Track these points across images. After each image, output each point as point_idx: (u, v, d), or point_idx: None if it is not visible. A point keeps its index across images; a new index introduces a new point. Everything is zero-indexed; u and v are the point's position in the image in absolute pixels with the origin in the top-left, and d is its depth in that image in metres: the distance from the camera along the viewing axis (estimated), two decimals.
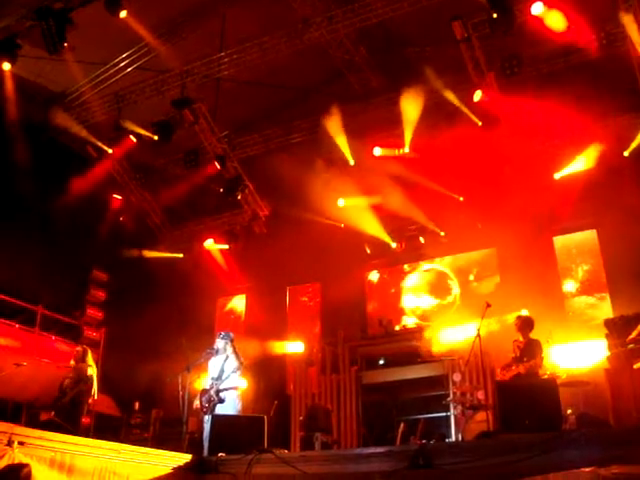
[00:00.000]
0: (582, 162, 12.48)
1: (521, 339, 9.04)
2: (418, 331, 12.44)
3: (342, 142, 13.43)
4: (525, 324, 9.10)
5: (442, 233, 13.94)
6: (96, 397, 9.80)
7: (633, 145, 11.93)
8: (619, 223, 12.54)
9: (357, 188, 13.91)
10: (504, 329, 12.04)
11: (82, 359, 9.83)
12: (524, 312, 12.20)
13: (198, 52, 12.46)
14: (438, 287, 14.49)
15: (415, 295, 14.66)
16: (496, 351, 12.14)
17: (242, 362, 9.07)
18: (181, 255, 15.55)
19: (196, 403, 8.94)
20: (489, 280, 13.94)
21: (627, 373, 8.11)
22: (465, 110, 12.18)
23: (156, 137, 13.08)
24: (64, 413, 9.20)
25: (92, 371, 9.75)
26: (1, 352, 11.44)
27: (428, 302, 14.38)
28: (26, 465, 5.20)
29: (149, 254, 15.18)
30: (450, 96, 12.21)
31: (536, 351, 8.73)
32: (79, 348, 10.25)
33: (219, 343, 9.12)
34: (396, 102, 13.06)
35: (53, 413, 9.35)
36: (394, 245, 14.42)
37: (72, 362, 9.95)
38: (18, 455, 5.31)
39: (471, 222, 13.23)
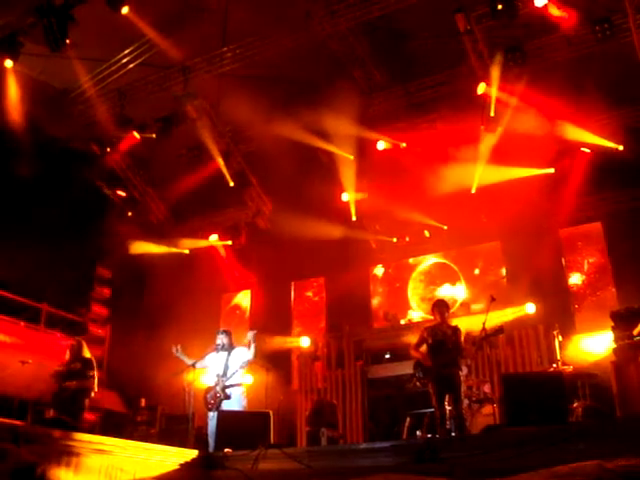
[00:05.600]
0: (586, 154, 12.42)
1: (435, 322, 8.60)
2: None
3: (346, 136, 13.39)
4: (448, 307, 8.81)
5: (445, 227, 13.92)
6: (96, 389, 9.63)
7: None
8: (624, 215, 12.53)
9: (361, 182, 13.88)
10: (510, 322, 12.05)
11: (79, 352, 9.67)
12: (529, 305, 12.25)
13: (200, 47, 12.43)
14: (444, 280, 14.46)
15: (422, 288, 14.64)
16: (502, 344, 12.17)
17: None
18: (187, 251, 15.53)
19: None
20: (495, 273, 13.91)
21: (633, 365, 8.09)
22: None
23: (154, 135, 13.13)
24: (65, 408, 9.11)
25: (94, 365, 9.64)
26: (6, 350, 11.47)
27: (435, 295, 14.32)
28: (40, 463, 5.19)
29: (153, 250, 15.14)
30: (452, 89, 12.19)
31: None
32: (74, 342, 10.07)
33: (223, 339, 9.14)
34: (400, 95, 13.03)
35: (52, 411, 9.27)
36: (394, 240, 14.41)
37: (67, 356, 9.73)
38: (24, 453, 5.31)
39: (476, 215, 13.20)
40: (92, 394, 9.48)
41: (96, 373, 9.58)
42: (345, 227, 14.27)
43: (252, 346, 8.91)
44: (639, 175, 12.20)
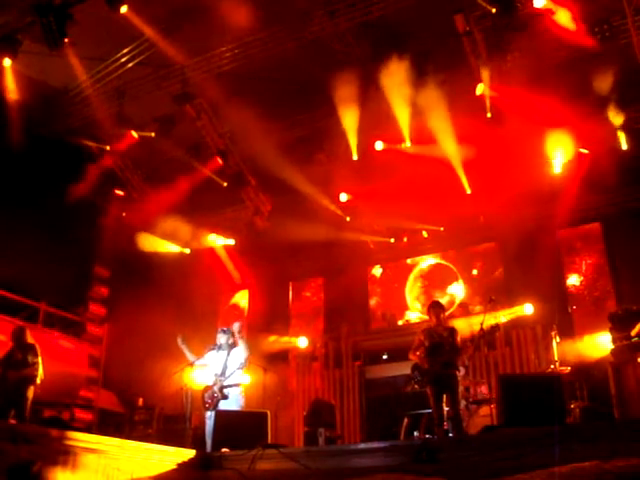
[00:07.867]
0: (585, 154, 12.41)
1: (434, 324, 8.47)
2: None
3: (344, 136, 13.38)
4: (444, 308, 8.76)
5: (441, 228, 13.94)
6: (43, 377, 9.01)
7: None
8: (623, 216, 12.53)
9: (359, 182, 13.87)
10: (508, 323, 12.06)
11: (21, 338, 9.16)
12: (527, 306, 12.27)
13: (199, 47, 12.42)
14: (442, 281, 14.46)
15: (420, 288, 14.63)
16: (500, 344, 12.19)
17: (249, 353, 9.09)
18: (187, 251, 15.52)
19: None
20: (493, 274, 13.91)
21: (631, 366, 8.11)
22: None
23: (153, 134, 13.12)
24: (9, 399, 8.70)
25: (38, 352, 9.10)
26: (3, 349, 11.42)
27: (433, 295, 14.32)
28: (36, 462, 5.18)
29: (151, 249, 15.11)
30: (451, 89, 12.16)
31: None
32: (15, 327, 9.62)
33: (221, 339, 9.14)
34: (398, 95, 13.01)
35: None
36: (392, 240, 14.42)
37: (10, 343, 9.22)
38: (22, 452, 5.31)
39: (474, 216, 13.20)
40: (37, 381, 8.91)
41: (40, 360, 9.01)
42: (343, 228, 14.27)
43: (237, 338, 8.92)
44: (638, 176, 12.21)
